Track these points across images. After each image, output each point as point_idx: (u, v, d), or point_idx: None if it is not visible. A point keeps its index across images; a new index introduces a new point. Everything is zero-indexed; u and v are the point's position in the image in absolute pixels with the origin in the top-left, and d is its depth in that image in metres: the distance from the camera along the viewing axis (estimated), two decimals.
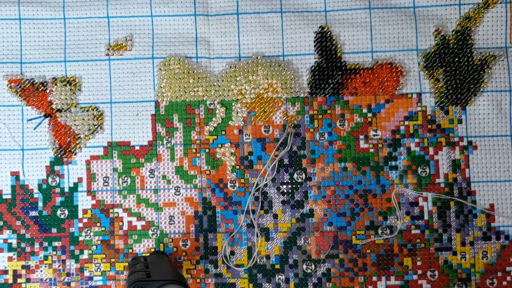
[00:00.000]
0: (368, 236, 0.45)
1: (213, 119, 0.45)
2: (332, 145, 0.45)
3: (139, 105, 0.46)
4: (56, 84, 0.46)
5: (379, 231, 0.45)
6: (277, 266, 0.45)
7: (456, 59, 0.45)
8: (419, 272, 0.45)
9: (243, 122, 0.45)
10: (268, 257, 0.45)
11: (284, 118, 0.45)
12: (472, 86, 0.45)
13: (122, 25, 0.46)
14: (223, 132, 0.45)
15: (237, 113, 0.45)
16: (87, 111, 0.46)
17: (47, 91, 0.46)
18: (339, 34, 0.45)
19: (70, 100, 0.46)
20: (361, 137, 0.45)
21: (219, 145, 0.45)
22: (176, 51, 0.46)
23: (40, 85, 0.46)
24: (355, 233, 0.45)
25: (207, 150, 0.45)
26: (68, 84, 0.46)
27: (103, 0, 0.46)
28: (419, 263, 0.45)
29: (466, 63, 0.44)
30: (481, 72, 0.44)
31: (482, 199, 0.45)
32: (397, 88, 0.45)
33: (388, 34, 0.45)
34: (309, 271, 0.45)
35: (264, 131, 0.45)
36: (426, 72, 0.45)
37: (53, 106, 0.46)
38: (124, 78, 0.46)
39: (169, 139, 0.46)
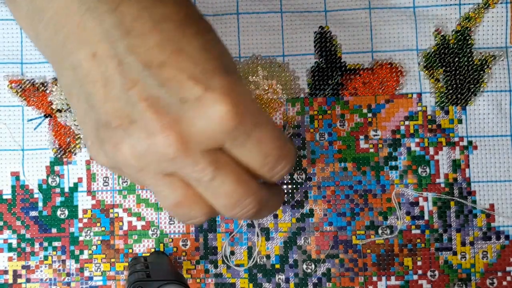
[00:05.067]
0: (368, 236, 0.43)
1: None
2: (332, 145, 0.43)
3: None
4: (56, 85, 0.44)
5: (379, 231, 0.44)
6: (277, 266, 0.44)
7: (456, 59, 0.43)
8: (419, 272, 0.43)
9: None
10: (268, 257, 0.44)
11: (284, 118, 0.44)
12: (472, 86, 0.43)
13: None
14: None
15: None
16: None
17: (47, 91, 0.44)
18: (339, 34, 0.44)
19: None
20: (361, 137, 0.43)
21: None
22: None
23: (41, 86, 0.44)
24: (355, 233, 0.44)
25: None
26: None
27: None
28: (419, 263, 0.43)
29: (466, 63, 0.43)
30: (481, 72, 0.43)
31: (482, 199, 0.43)
32: (397, 88, 0.43)
33: (388, 34, 0.44)
34: (309, 271, 0.44)
35: None
36: (426, 72, 0.43)
37: (53, 106, 0.44)
38: None
39: None
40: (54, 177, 0.44)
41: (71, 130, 0.44)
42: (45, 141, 0.44)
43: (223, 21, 0.44)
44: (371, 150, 0.43)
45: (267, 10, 0.44)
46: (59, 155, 0.44)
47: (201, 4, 0.44)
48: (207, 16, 0.44)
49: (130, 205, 0.44)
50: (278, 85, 0.44)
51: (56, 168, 0.44)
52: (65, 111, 0.44)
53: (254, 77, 0.44)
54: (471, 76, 0.43)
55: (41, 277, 0.44)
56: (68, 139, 0.44)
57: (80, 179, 0.44)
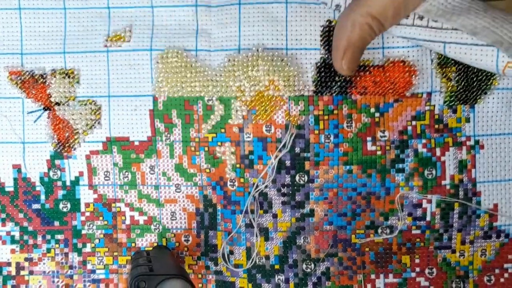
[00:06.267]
0: (368, 235, 0.43)
1: (211, 116, 0.42)
2: (338, 148, 0.42)
3: (137, 99, 0.43)
4: (55, 76, 0.43)
5: (379, 231, 0.43)
6: (277, 267, 0.43)
7: None
8: (417, 269, 0.43)
9: (243, 120, 0.42)
10: (267, 257, 0.43)
11: (286, 118, 0.42)
12: (483, 84, 0.41)
13: (122, 16, 0.43)
14: (223, 130, 0.42)
15: (237, 111, 0.42)
16: (85, 105, 0.43)
17: (46, 83, 0.43)
18: None
19: (68, 93, 0.43)
20: (369, 138, 0.42)
21: (219, 143, 0.42)
22: (176, 43, 0.42)
23: (40, 77, 0.43)
24: (355, 232, 0.43)
25: (206, 149, 0.42)
26: (66, 77, 0.43)
27: None
28: (417, 260, 0.43)
29: None
30: None
31: (487, 199, 0.42)
32: (409, 89, 0.41)
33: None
34: (308, 270, 0.43)
35: (266, 130, 0.42)
36: (439, 70, 0.41)
37: (52, 99, 0.43)
38: (122, 71, 0.43)
39: (168, 135, 0.43)
40: (55, 170, 0.44)
41: (69, 124, 0.43)
42: (45, 135, 0.43)
43: (224, 11, 0.42)
44: (379, 153, 0.42)
45: (271, 0, 0.41)
46: (58, 150, 0.43)
47: None
48: (209, 7, 0.42)
49: (131, 200, 0.44)
50: (280, 81, 0.41)
51: (57, 161, 0.44)
52: (63, 104, 0.43)
53: (254, 72, 0.41)
54: (484, 73, 0.41)
55: (44, 269, 0.44)
56: (67, 134, 0.43)
57: (81, 173, 0.44)
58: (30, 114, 0.43)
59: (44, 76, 0.43)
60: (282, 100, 0.42)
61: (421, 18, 0.37)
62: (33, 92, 0.43)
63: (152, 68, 0.42)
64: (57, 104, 0.43)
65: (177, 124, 0.43)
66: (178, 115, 0.42)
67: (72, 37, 0.43)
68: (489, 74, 0.41)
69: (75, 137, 0.43)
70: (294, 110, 0.42)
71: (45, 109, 0.43)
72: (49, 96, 0.43)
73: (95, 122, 0.43)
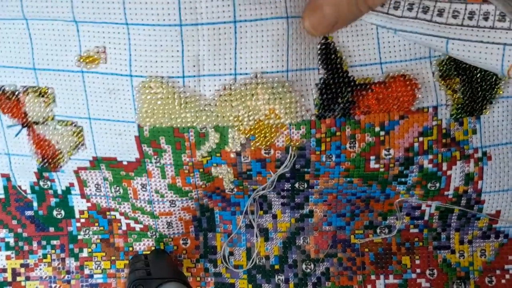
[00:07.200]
0: (367, 235, 0.42)
1: (206, 143, 0.38)
2: (339, 165, 0.39)
3: (120, 124, 0.38)
4: (28, 95, 0.38)
5: (378, 231, 0.42)
6: (277, 267, 0.43)
7: (473, 66, 0.38)
8: (418, 271, 0.43)
9: (240, 147, 0.38)
10: (267, 257, 0.43)
11: (287, 142, 0.38)
12: (488, 94, 0.38)
13: (93, 31, 0.36)
14: (218, 155, 0.39)
15: (234, 139, 0.38)
16: (66, 125, 0.39)
17: (20, 101, 0.39)
18: (343, 45, 0.37)
19: (45, 113, 0.39)
20: (372, 157, 0.39)
21: (214, 164, 0.39)
22: (158, 69, 0.36)
23: (11, 94, 0.39)
24: (354, 232, 0.42)
25: (201, 170, 0.39)
26: (40, 96, 0.38)
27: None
28: (417, 261, 0.43)
29: (482, 70, 0.38)
30: (498, 78, 0.38)
31: (490, 206, 0.41)
32: (414, 104, 0.38)
33: (397, 41, 0.37)
34: (308, 270, 0.43)
35: (265, 152, 0.39)
36: (442, 82, 0.38)
37: (29, 118, 0.39)
38: (101, 95, 0.37)
39: (158, 158, 0.39)
40: (45, 181, 0.42)
41: (52, 144, 0.40)
42: (28, 150, 0.40)
43: (216, 31, 0.36)
44: (381, 170, 0.39)
45: (270, 16, 0.36)
46: (44, 166, 0.41)
47: (188, 11, 0.35)
48: (196, 25, 0.35)
49: (125, 210, 0.42)
50: (281, 109, 0.37)
51: (45, 174, 0.41)
52: (42, 123, 0.39)
53: (253, 101, 0.37)
54: (488, 83, 0.38)
55: (41, 275, 0.44)
56: (51, 152, 0.40)
57: (71, 184, 0.41)
58: (10, 128, 0.40)
59: (16, 93, 0.39)
60: (283, 126, 0.38)
61: (425, 11, 0.34)
62: (7, 108, 0.39)
63: (134, 96, 0.37)
64: (36, 123, 0.39)
65: (167, 150, 0.39)
66: (167, 141, 0.38)
67: (41, 52, 0.37)
68: (493, 82, 0.38)
69: (59, 156, 0.40)
70: (295, 134, 0.38)
71: (23, 125, 0.40)
72: (25, 114, 0.39)
73: (78, 144, 0.39)
